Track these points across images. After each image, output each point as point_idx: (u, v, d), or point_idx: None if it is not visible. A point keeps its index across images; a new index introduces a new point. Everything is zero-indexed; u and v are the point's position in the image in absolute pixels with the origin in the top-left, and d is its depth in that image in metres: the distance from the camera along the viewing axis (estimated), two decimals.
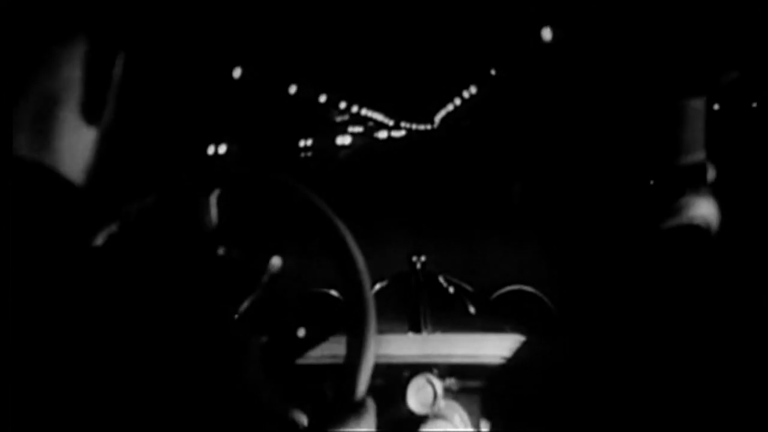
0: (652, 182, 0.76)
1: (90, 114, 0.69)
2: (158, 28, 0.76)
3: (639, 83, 0.77)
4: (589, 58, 0.89)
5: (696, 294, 0.72)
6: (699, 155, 0.77)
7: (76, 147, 0.69)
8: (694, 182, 0.77)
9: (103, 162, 0.71)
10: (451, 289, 1.88)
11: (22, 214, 0.62)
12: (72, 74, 0.68)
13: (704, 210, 0.77)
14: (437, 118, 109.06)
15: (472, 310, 1.78)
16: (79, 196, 0.68)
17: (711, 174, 0.78)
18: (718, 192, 0.78)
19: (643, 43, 0.77)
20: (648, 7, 0.77)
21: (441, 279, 1.92)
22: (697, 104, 0.77)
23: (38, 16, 0.67)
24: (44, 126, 0.67)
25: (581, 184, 0.83)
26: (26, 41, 0.66)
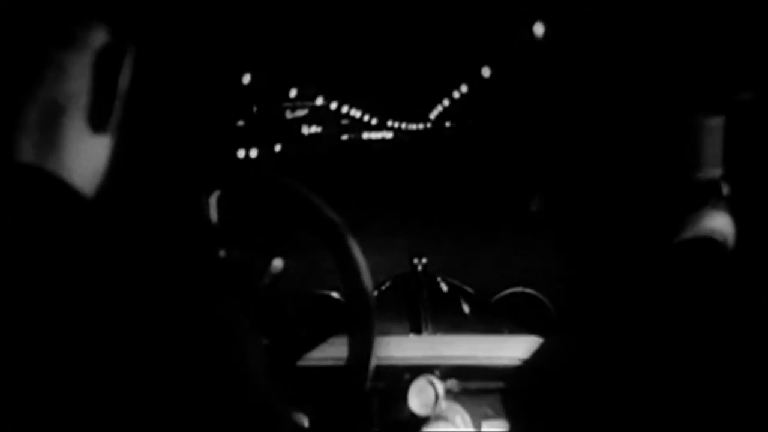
0: (668, 196, 0.77)
1: (96, 122, 0.69)
2: (164, 33, 0.76)
3: (657, 99, 0.78)
4: (608, 73, 0.89)
5: (711, 306, 0.72)
6: (716, 171, 0.78)
7: (81, 154, 0.69)
8: (711, 197, 0.78)
9: (109, 170, 0.71)
10: (452, 291, 1.88)
11: (25, 220, 0.62)
12: (79, 81, 0.68)
13: (720, 224, 0.78)
14: (432, 116, 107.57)
15: (472, 311, 1.78)
16: (83, 203, 0.67)
17: (726, 190, 0.79)
18: (734, 208, 0.79)
19: (664, 61, 0.78)
20: (667, 25, 0.78)
21: (442, 281, 1.92)
22: (716, 122, 0.78)
23: (45, 22, 0.67)
24: (50, 132, 0.67)
25: (598, 191, 0.83)
26: (33, 46, 0.66)
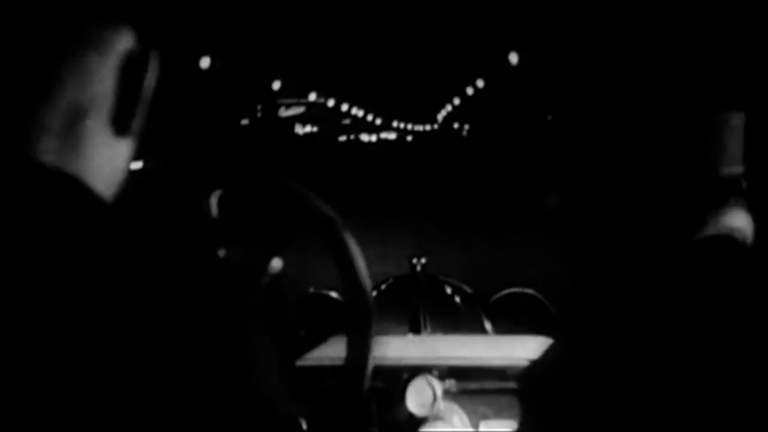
0: (688, 193, 0.77)
1: (119, 125, 0.69)
2: (174, 32, 0.76)
3: (678, 96, 0.77)
4: (628, 71, 0.89)
5: (730, 304, 0.72)
6: (737, 168, 0.78)
7: (102, 157, 0.69)
8: (731, 195, 0.78)
9: (128, 172, 0.71)
10: (451, 291, 1.89)
11: (44, 221, 0.62)
12: (103, 84, 0.68)
13: (740, 222, 0.78)
14: (439, 117, 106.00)
15: (471, 312, 1.78)
16: (102, 206, 0.68)
17: (745, 187, 0.79)
18: (753, 206, 0.79)
19: (685, 58, 0.78)
20: (688, 23, 0.78)
21: (441, 281, 1.92)
22: (737, 119, 0.78)
23: (69, 25, 0.67)
24: (72, 134, 0.67)
25: (617, 189, 0.83)
26: (57, 49, 0.66)
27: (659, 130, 0.77)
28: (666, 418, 0.68)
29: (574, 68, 0.83)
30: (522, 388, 1.25)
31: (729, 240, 0.76)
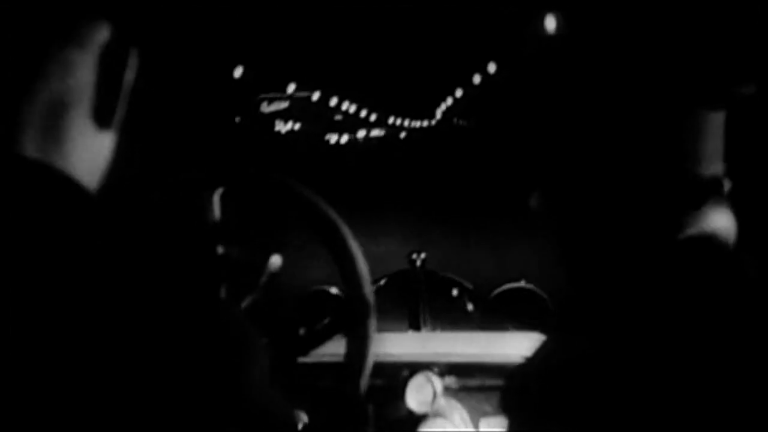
0: (669, 193, 0.77)
1: (101, 118, 0.69)
2: (168, 28, 0.76)
3: (658, 93, 0.77)
4: (608, 68, 0.89)
5: (712, 305, 0.72)
6: (717, 167, 0.78)
7: (85, 150, 0.69)
8: (712, 194, 0.77)
9: (113, 166, 0.71)
10: (452, 288, 1.89)
11: (29, 214, 0.62)
12: (83, 77, 0.68)
13: (722, 221, 0.77)
14: (438, 112, 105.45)
15: (471, 308, 1.78)
16: (87, 198, 0.67)
17: (727, 186, 0.78)
18: (735, 204, 0.79)
19: (665, 55, 0.77)
20: (667, 19, 0.78)
21: (440, 277, 1.92)
22: (717, 116, 0.77)
23: (48, 18, 0.67)
24: (54, 128, 0.67)
25: (598, 188, 0.83)
26: (37, 43, 0.66)
27: (638, 129, 0.77)
28: (657, 412, 0.68)
29: (555, 68, 0.82)
30: (522, 385, 1.25)
31: (710, 241, 0.76)
